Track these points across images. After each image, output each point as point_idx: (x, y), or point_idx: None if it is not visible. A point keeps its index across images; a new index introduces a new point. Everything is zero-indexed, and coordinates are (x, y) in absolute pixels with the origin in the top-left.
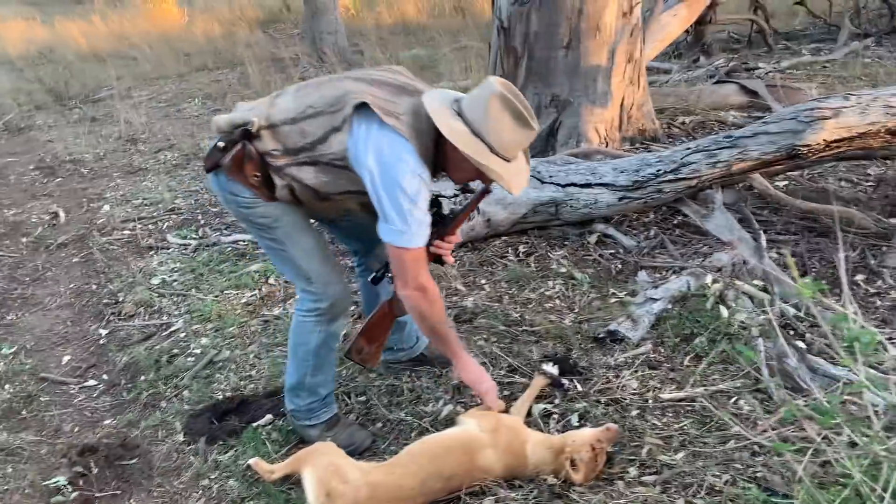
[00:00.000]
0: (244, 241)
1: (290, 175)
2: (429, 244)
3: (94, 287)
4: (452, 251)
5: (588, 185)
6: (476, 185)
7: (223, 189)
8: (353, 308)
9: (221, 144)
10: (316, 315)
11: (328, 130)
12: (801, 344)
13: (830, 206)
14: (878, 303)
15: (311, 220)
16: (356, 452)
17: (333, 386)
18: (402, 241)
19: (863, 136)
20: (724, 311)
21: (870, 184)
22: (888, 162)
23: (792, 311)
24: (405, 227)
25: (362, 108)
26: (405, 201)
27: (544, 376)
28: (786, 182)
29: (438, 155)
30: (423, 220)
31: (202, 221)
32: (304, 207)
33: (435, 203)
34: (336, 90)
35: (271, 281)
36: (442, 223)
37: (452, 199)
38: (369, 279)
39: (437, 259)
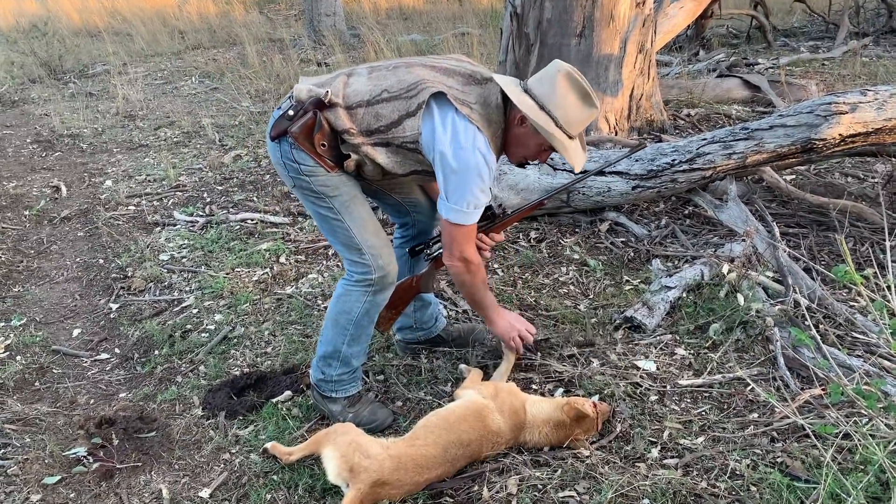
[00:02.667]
0: (253, 220)
1: (364, 153)
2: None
3: (102, 261)
4: (492, 248)
5: (601, 173)
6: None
7: (286, 157)
8: None
9: (291, 113)
10: (365, 285)
11: (402, 115)
12: (814, 334)
13: (841, 200)
14: (890, 297)
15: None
16: (378, 430)
17: (364, 360)
18: (458, 218)
19: (878, 131)
20: (741, 299)
21: (876, 180)
22: (893, 160)
23: (805, 301)
24: (465, 207)
25: (438, 96)
26: (473, 185)
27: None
28: (793, 176)
29: (505, 139)
30: (482, 201)
31: (208, 199)
32: (363, 181)
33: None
34: (411, 76)
35: (282, 260)
36: (491, 220)
37: None
38: (408, 249)
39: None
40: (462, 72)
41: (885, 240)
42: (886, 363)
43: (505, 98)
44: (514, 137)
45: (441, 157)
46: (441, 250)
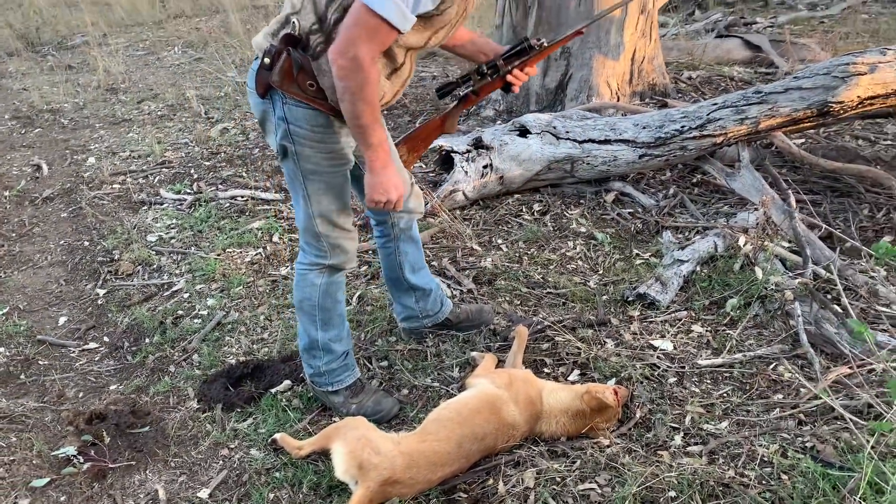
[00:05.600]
0: (243, 197)
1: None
2: (507, 72)
3: (87, 244)
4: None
5: (607, 142)
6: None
7: (279, 113)
8: (363, 268)
9: (267, 60)
10: (318, 269)
11: None
12: (837, 308)
13: (856, 165)
14: None
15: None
16: (384, 420)
17: (350, 344)
18: (383, 6)
19: None
20: (760, 273)
21: (888, 142)
22: None
23: (825, 273)
24: None
25: None
26: None
27: (523, 326)
28: (802, 140)
29: None
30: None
31: (196, 175)
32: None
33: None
34: None
35: (275, 239)
36: (526, 54)
37: (465, 155)
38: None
39: (506, 86)
40: None
41: None
42: None
43: None
44: None
45: None
46: (471, 87)
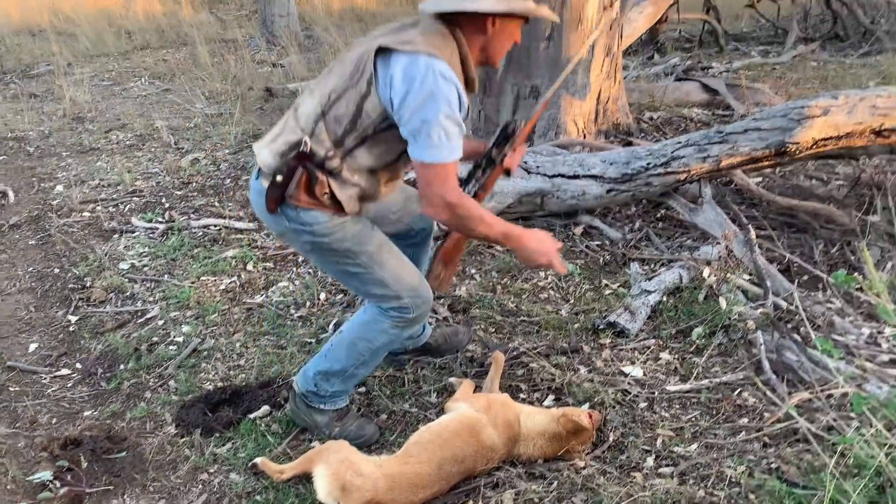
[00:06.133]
0: (216, 226)
1: (352, 169)
2: (503, 158)
3: (57, 271)
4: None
5: (576, 177)
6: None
7: (294, 222)
8: None
9: (280, 178)
10: (399, 321)
11: (359, 101)
12: (797, 337)
13: (811, 203)
14: (862, 297)
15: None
16: (365, 445)
17: None
18: (431, 155)
19: (849, 135)
20: (723, 303)
21: (839, 181)
22: (853, 161)
23: (785, 304)
24: (435, 139)
25: (379, 55)
26: (437, 111)
27: (500, 353)
28: (759, 179)
29: (466, 65)
30: (453, 132)
31: (167, 204)
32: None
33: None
34: (349, 64)
35: (249, 267)
36: (512, 136)
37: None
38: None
39: (506, 172)
40: (394, 26)
41: (854, 241)
42: (868, 365)
43: (449, 23)
44: (490, 44)
45: (400, 98)
46: (478, 184)
